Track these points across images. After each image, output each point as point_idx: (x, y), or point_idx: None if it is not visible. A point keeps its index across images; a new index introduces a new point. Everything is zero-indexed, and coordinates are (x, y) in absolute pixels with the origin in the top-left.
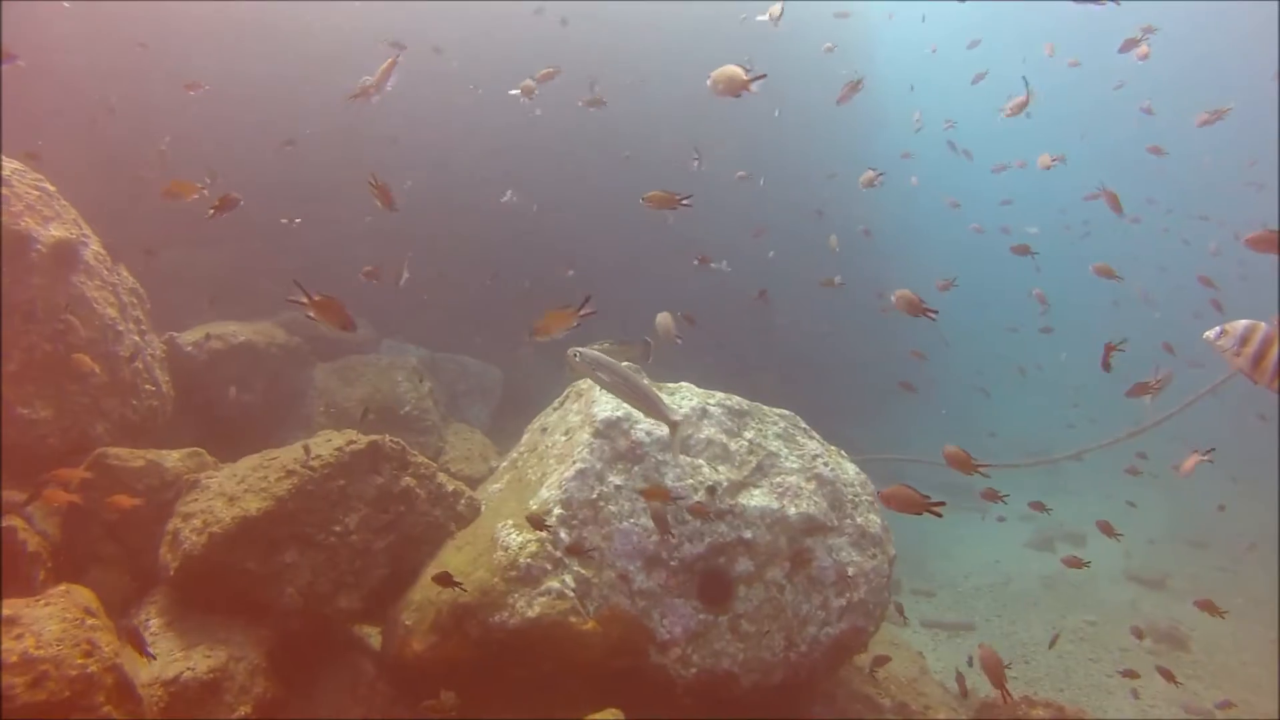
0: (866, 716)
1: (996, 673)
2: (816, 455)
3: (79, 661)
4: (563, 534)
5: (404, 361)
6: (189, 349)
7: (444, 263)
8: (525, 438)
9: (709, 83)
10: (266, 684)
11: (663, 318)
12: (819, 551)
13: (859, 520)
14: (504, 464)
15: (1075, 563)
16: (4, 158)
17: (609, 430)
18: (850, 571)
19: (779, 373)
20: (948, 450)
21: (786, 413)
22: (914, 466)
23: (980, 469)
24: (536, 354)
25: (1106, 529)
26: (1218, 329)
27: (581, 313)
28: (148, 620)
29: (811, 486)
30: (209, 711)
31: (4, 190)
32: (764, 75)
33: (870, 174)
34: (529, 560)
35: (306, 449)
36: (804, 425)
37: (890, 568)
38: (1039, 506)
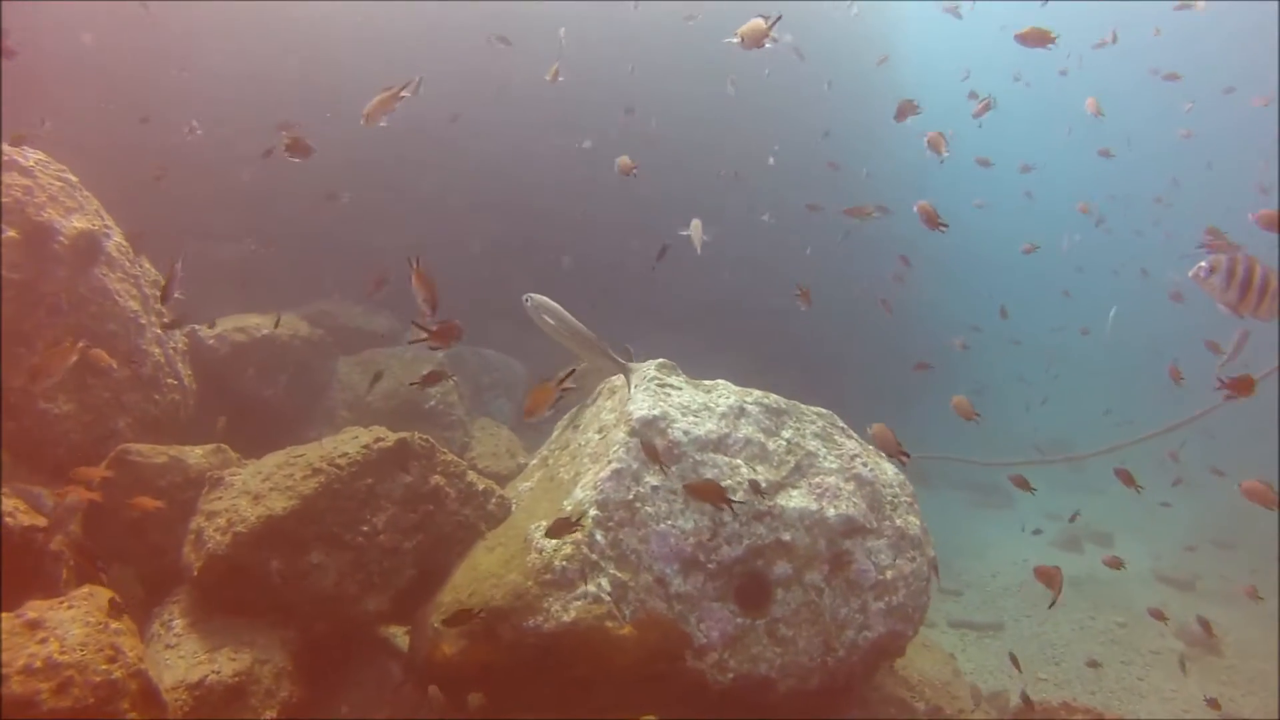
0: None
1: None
2: (855, 455)
3: (103, 668)
4: (598, 536)
5: (428, 355)
6: (211, 342)
7: (467, 254)
8: (555, 434)
9: (738, 41)
10: (292, 688)
11: (695, 223)
12: (858, 554)
13: (898, 522)
14: (534, 462)
15: (1115, 563)
16: (27, 149)
17: (645, 429)
18: (889, 575)
19: (801, 368)
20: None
21: (824, 411)
22: (947, 464)
23: (904, 455)
24: (559, 348)
25: (1126, 478)
26: (1204, 265)
27: (563, 385)
28: (171, 620)
29: (850, 487)
30: (234, 716)
31: (28, 181)
32: (779, 17)
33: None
34: (564, 563)
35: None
36: (841, 424)
37: (929, 571)
38: (1021, 483)
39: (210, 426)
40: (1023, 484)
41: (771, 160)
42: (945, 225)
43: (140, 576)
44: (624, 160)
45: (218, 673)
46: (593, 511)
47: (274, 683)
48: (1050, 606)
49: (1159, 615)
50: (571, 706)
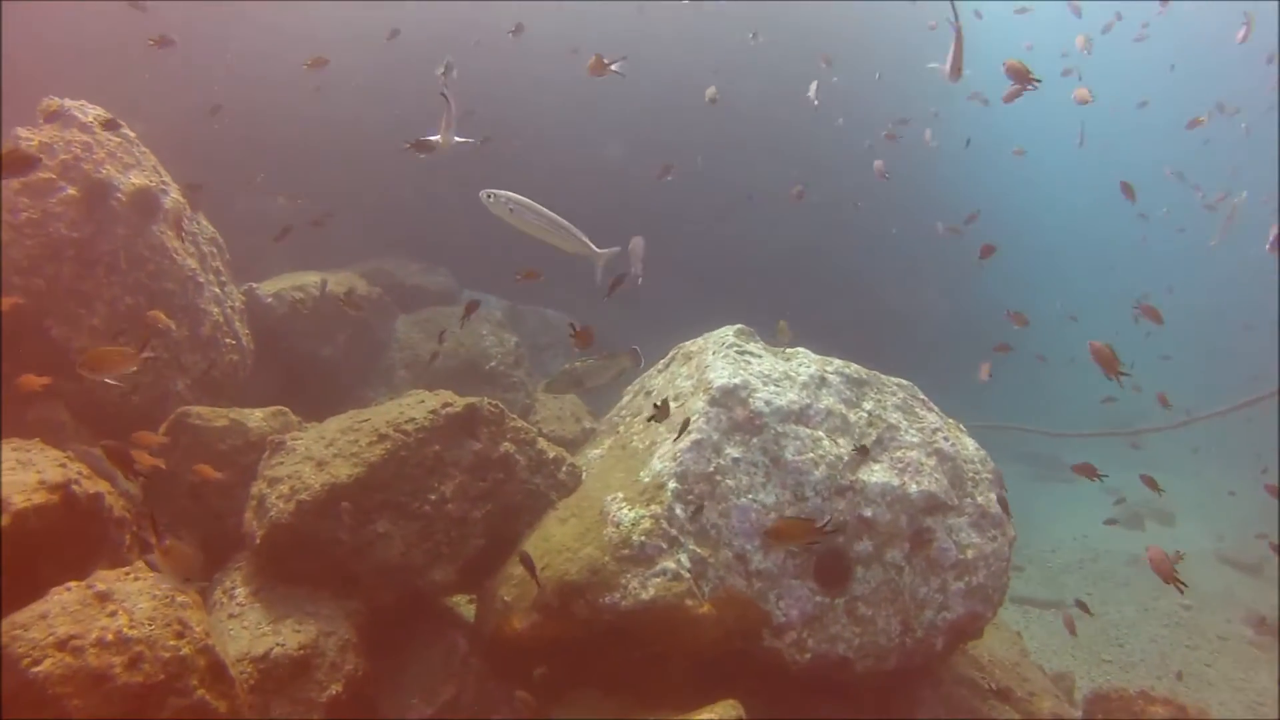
0: (972, 701)
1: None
2: (936, 429)
3: (171, 643)
4: (678, 510)
5: (488, 313)
6: (269, 300)
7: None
8: (626, 400)
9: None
10: (357, 660)
11: (636, 240)
12: (939, 532)
13: (979, 500)
14: (602, 427)
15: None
16: (85, 104)
17: (726, 399)
18: (970, 554)
19: (862, 332)
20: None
21: (905, 382)
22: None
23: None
24: (619, 305)
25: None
26: (1271, 236)
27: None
28: (234, 588)
29: (932, 462)
30: (299, 690)
31: (86, 137)
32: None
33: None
34: (643, 538)
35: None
36: (922, 396)
37: (1010, 550)
38: (1088, 471)
39: (267, 387)
40: (1090, 472)
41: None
42: (1037, 81)
43: (200, 540)
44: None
45: (282, 645)
46: (671, 484)
47: (339, 655)
48: (1181, 594)
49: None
50: (642, 682)
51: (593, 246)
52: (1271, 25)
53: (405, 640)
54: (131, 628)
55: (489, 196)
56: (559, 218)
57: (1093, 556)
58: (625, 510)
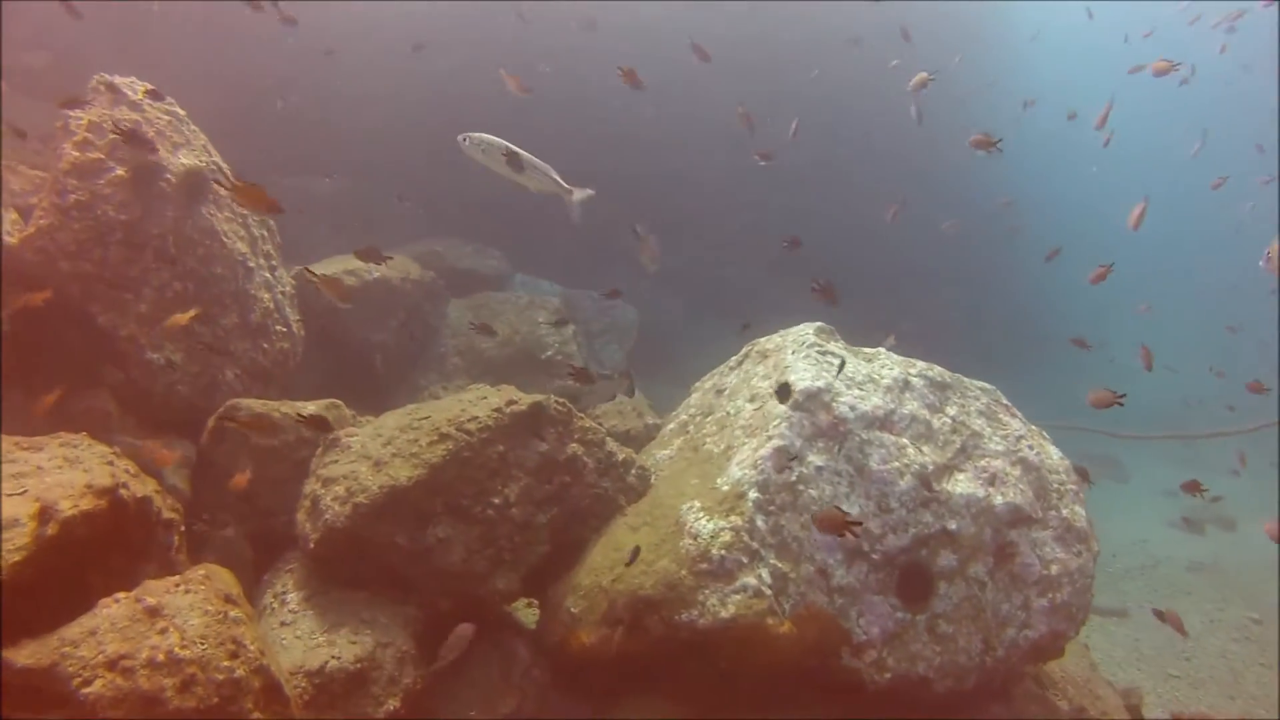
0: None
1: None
2: (1021, 437)
3: (225, 664)
4: (759, 522)
5: (545, 300)
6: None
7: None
8: (694, 398)
9: None
10: (416, 674)
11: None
12: (1023, 546)
13: (1064, 512)
14: (670, 426)
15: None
16: (135, 80)
17: (809, 403)
18: (1054, 570)
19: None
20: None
21: (987, 386)
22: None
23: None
24: (670, 291)
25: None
26: (1269, 251)
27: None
28: (285, 593)
29: (1017, 472)
30: (355, 705)
31: (135, 115)
32: None
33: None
34: (722, 552)
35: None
36: (1005, 401)
37: (1094, 566)
38: (1194, 488)
39: (317, 375)
40: (1195, 488)
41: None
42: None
43: (249, 536)
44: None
45: (338, 658)
46: (753, 494)
47: (396, 668)
48: None
49: None
50: (707, 696)
51: (564, 184)
52: None
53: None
54: (183, 647)
55: (464, 140)
56: (531, 157)
57: (1153, 563)
58: (703, 521)
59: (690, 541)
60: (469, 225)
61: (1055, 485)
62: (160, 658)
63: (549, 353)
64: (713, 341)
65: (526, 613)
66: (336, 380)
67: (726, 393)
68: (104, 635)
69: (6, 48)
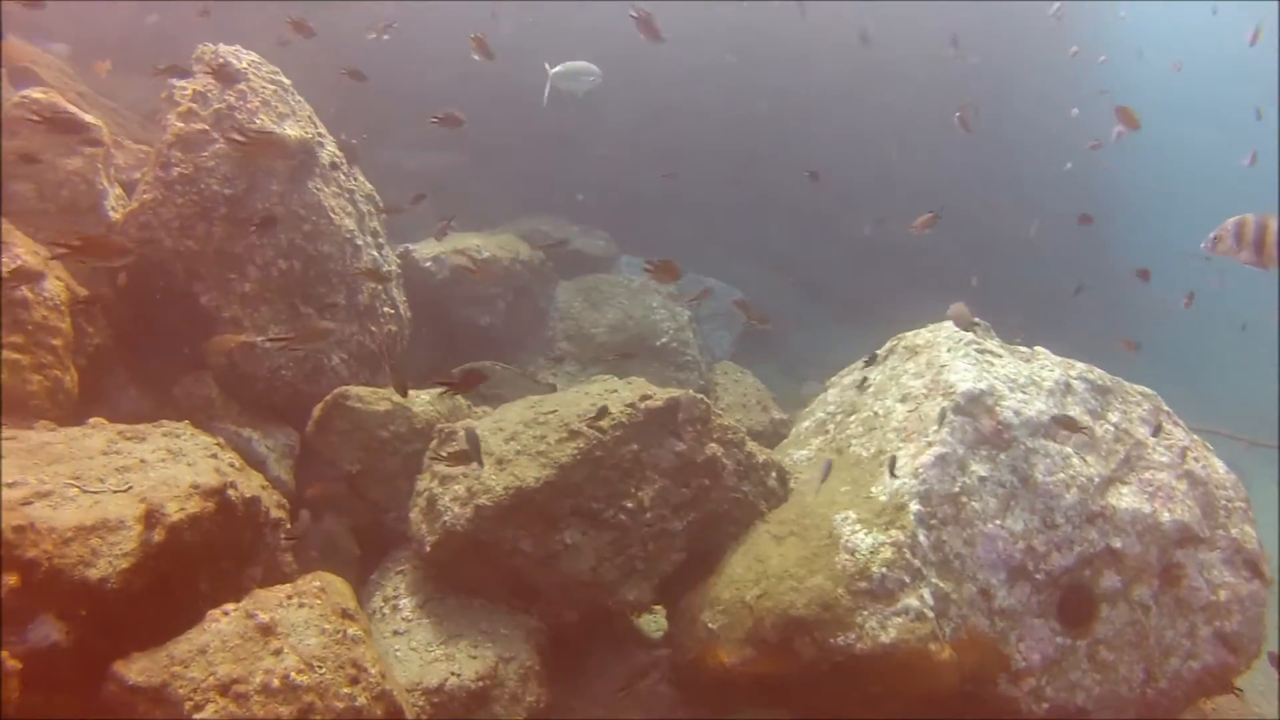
0: None
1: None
2: (1186, 448)
3: (345, 690)
4: (921, 537)
5: (658, 284)
6: (427, 264)
7: (682, 172)
8: (832, 394)
9: None
10: (539, 691)
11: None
12: (1190, 568)
13: (1233, 532)
14: (806, 424)
15: None
16: (240, 49)
17: (971, 406)
18: (1222, 595)
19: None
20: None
21: (1149, 391)
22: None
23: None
24: (775, 274)
25: None
26: (1209, 238)
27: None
28: (398, 598)
29: (1183, 487)
30: None
31: (241, 85)
32: None
33: None
34: (883, 569)
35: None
36: (1167, 408)
37: (1267, 594)
38: None
39: (422, 359)
40: None
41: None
42: None
43: (355, 531)
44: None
45: (458, 675)
46: (914, 506)
47: (519, 685)
48: None
49: None
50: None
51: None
52: None
53: (584, 658)
54: (300, 672)
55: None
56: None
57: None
58: (861, 534)
59: (847, 557)
60: (570, 204)
61: (1223, 502)
62: (275, 683)
63: (664, 339)
64: (820, 328)
65: (647, 622)
66: (442, 366)
67: (871, 390)
68: (214, 655)
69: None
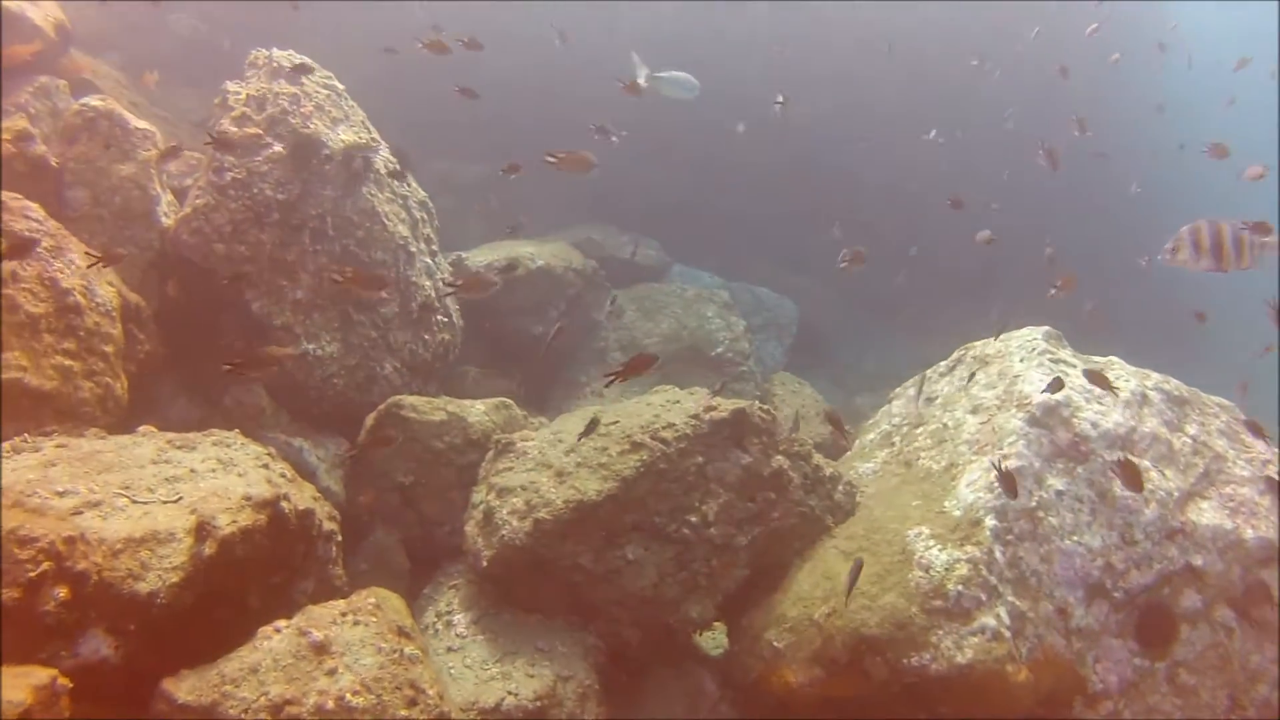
0: None
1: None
2: (1268, 460)
3: (403, 714)
4: (998, 553)
5: (713, 294)
6: (480, 272)
7: (733, 183)
8: (896, 405)
9: None
10: (598, 710)
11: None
12: (1276, 588)
13: None
14: (871, 436)
15: None
16: (293, 53)
17: (1047, 418)
18: None
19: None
20: None
21: (1226, 402)
22: None
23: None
24: (834, 289)
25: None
26: (1166, 248)
27: None
28: (451, 614)
29: (1266, 502)
30: None
31: (294, 89)
32: None
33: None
34: (959, 587)
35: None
36: (1244, 419)
37: None
38: None
39: (474, 369)
40: None
41: None
42: None
43: (406, 544)
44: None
45: (515, 694)
46: (990, 521)
47: (578, 705)
48: None
49: None
50: None
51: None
52: None
53: (642, 677)
54: (356, 694)
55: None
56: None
57: None
58: (935, 550)
59: (921, 574)
60: (618, 214)
61: None
62: (330, 704)
63: (719, 349)
64: (870, 339)
65: (706, 639)
66: (495, 374)
67: (939, 402)
68: (266, 674)
69: None
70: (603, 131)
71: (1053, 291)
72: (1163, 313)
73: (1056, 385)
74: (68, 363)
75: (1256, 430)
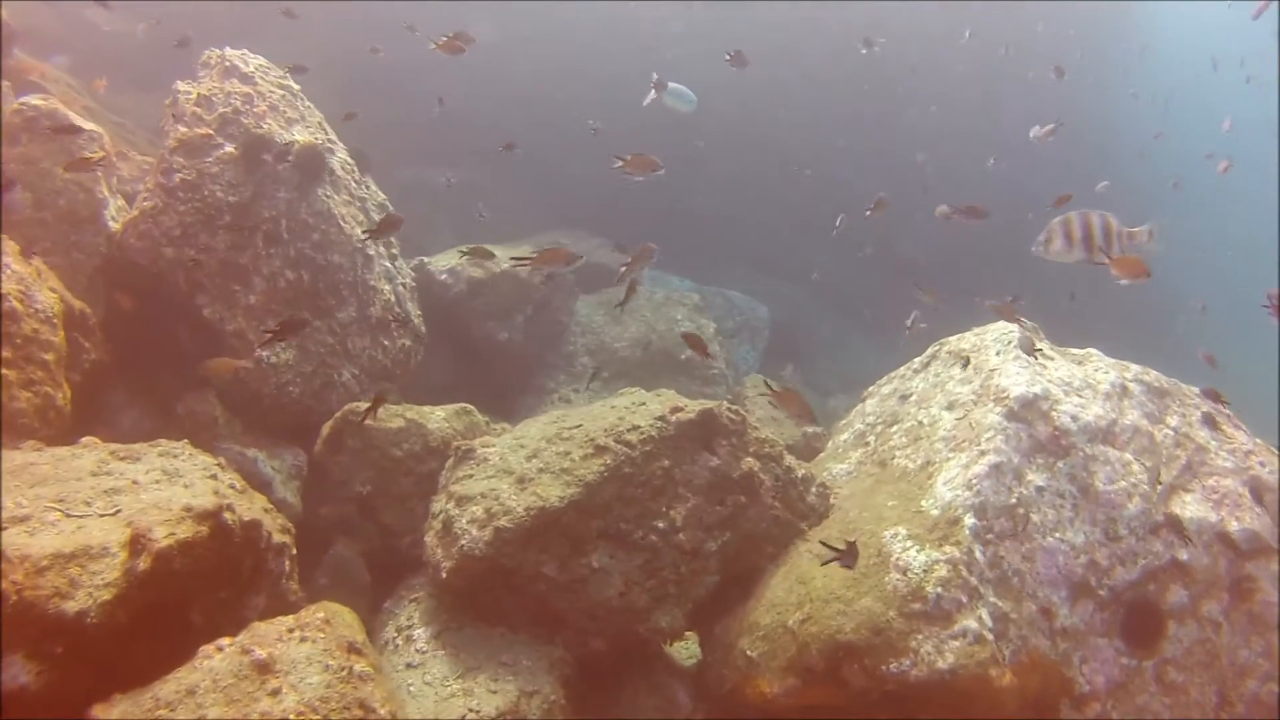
0: None
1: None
2: (1250, 451)
3: None
4: (978, 553)
5: (682, 296)
6: (443, 278)
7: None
8: (870, 404)
9: None
10: None
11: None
12: (1264, 582)
13: None
14: (844, 436)
15: None
16: (247, 53)
17: (1026, 412)
18: None
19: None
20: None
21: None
22: None
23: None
24: (807, 292)
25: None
26: (1039, 240)
27: None
28: (411, 628)
29: (1250, 493)
30: None
31: (247, 89)
32: None
33: None
34: (939, 589)
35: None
36: (1227, 410)
37: None
38: None
39: (437, 375)
40: None
41: None
42: None
43: (367, 557)
44: None
45: (476, 711)
46: (969, 519)
47: None
48: None
49: None
50: None
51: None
52: None
53: (612, 689)
54: (300, 715)
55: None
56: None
57: None
58: (913, 552)
59: (898, 576)
60: (587, 219)
61: None
62: None
63: (689, 352)
64: (842, 341)
65: (679, 649)
66: (460, 381)
67: (913, 399)
68: (205, 696)
69: None
70: (597, 130)
71: (926, 300)
72: (1136, 305)
73: (1027, 344)
74: (2, 371)
75: (1214, 396)
